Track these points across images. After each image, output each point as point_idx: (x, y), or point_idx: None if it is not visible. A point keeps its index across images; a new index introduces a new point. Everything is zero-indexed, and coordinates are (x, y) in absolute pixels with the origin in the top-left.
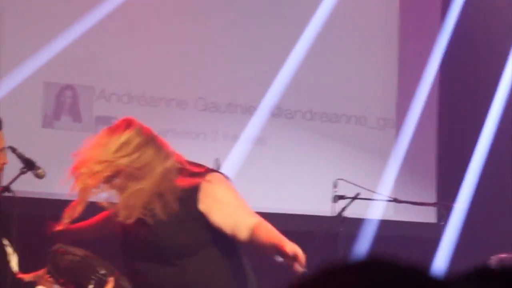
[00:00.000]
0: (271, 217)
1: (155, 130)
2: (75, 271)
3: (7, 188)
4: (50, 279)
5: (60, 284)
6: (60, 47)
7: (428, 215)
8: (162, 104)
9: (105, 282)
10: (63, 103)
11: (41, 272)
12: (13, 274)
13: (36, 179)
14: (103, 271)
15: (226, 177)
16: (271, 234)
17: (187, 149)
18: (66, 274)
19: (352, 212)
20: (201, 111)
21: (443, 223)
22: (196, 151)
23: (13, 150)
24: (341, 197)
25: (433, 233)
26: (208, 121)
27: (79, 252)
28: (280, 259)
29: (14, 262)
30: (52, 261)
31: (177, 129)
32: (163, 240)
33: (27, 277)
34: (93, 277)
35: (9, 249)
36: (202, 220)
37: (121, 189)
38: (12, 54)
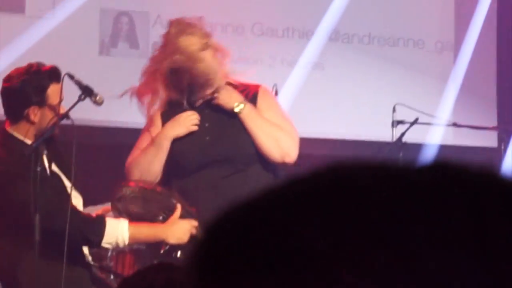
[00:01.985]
0: (329, 143)
1: None
2: (143, 203)
3: (66, 115)
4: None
5: (128, 217)
6: None
7: (488, 139)
8: (218, 30)
9: (172, 210)
10: (119, 29)
11: (106, 209)
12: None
13: (93, 107)
14: (171, 201)
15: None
16: None
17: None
18: (135, 207)
19: (411, 137)
20: (258, 36)
21: (504, 147)
22: (254, 77)
23: (71, 77)
24: (400, 122)
25: (494, 157)
26: (265, 46)
27: (145, 185)
28: None
29: (79, 204)
30: (120, 195)
31: (234, 55)
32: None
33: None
34: (162, 208)
35: (74, 192)
36: None
37: None
38: None
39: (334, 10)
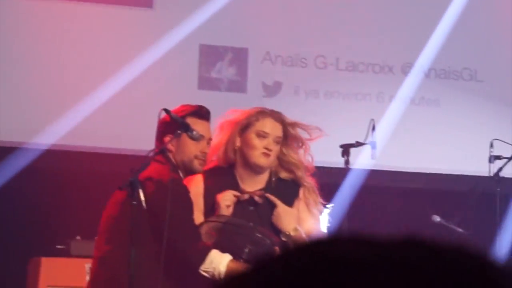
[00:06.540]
0: (427, 177)
1: (306, 90)
2: (229, 235)
3: (161, 151)
4: None
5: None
6: (215, 8)
7: None
8: (311, 64)
9: (257, 244)
10: (220, 65)
11: None
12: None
13: None
14: (255, 235)
15: None
16: None
17: (341, 110)
18: (219, 239)
19: (509, 172)
20: (352, 72)
21: None
22: (351, 112)
23: (167, 112)
24: (498, 157)
25: None
26: (361, 81)
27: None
28: None
29: None
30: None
31: (330, 88)
32: None
33: None
34: (247, 241)
35: None
36: None
37: None
38: (167, 16)
39: (432, 46)
